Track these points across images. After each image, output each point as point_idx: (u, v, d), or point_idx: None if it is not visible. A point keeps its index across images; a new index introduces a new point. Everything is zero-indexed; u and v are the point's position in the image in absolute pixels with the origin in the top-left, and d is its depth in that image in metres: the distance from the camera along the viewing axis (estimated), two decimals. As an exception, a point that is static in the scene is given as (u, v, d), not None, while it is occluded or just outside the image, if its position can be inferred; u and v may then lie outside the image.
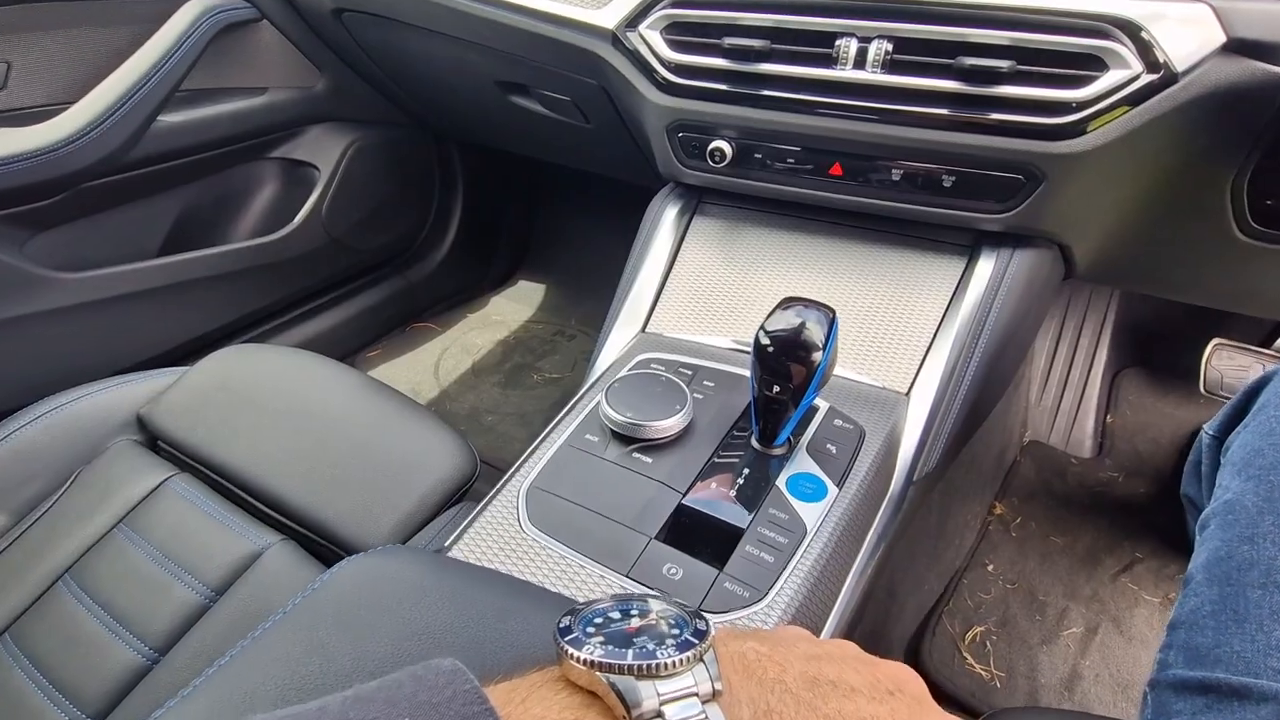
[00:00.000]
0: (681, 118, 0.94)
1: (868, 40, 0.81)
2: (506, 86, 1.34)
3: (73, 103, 1.17)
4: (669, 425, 0.69)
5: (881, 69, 0.81)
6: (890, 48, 0.80)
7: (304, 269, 1.64)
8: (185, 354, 1.46)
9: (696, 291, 0.96)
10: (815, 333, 0.63)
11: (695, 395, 0.75)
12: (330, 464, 0.88)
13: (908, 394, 0.81)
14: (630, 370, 0.83)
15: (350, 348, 1.82)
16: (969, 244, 0.91)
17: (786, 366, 0.63)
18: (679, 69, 0.91)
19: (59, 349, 1.23)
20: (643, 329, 0.95)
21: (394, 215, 1.84)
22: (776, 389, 0.65)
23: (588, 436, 0.73)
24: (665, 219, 1.02)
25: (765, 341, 0.64)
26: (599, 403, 0.72)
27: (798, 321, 0.64)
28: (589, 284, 2.22)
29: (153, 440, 1.02)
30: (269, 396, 0.98)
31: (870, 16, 0.81)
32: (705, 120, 0.92)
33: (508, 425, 1.62)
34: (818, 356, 0.63)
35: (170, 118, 1.29)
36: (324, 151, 1.59)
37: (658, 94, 0.94)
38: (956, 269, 0.89)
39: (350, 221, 1.68)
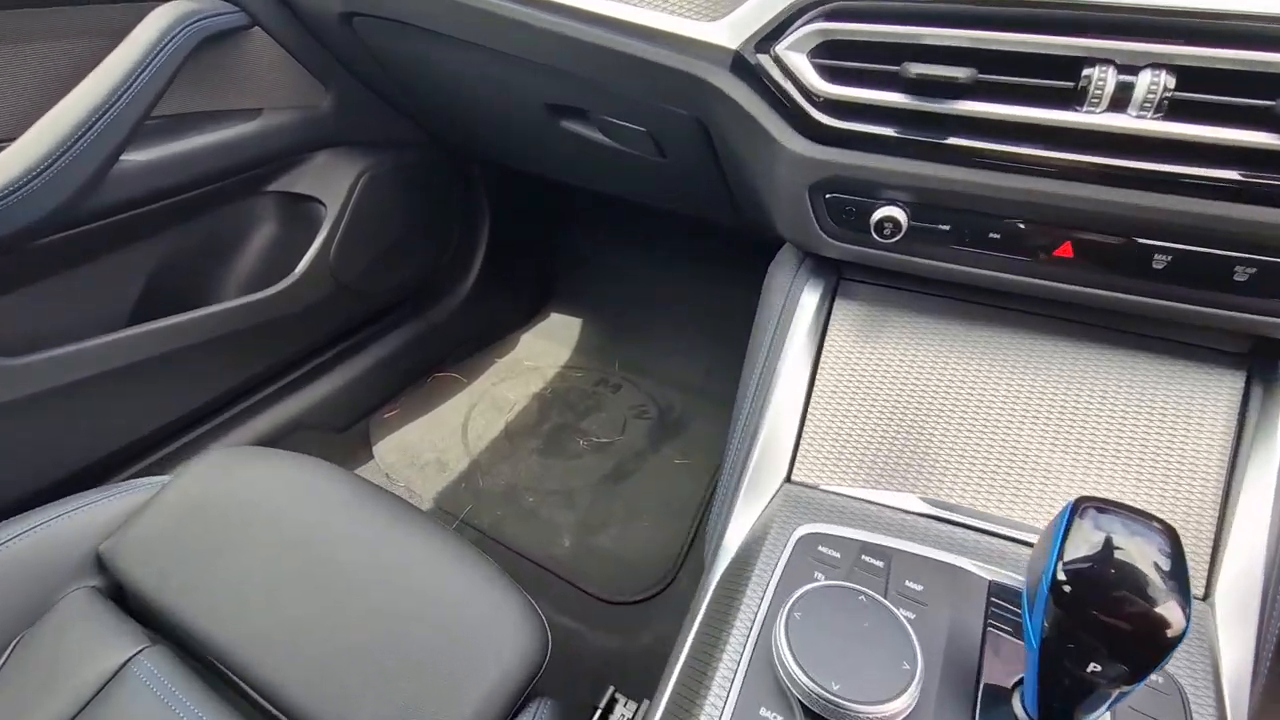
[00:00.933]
0: (835, 173, 0.68)
1: (1134, 70, 0.55)
2: (558, 111, 1.07)
3: (11, 140, 0.91)
4: (897, 709, 0.43)
5: (1154, 113, 0.55)
6: (1171, 82, 0.54)
7: (309, 324, 1.38)
8: (165, 438, 1.21)
9: (857, 419, 0.70)
10: (1164, 582, 0.38)
11: (904, 613, 0.49)
12: (352, 645, 0.64)
13: (1207, 598, 0.55)
14: (793, 560, 0.57)
15: (364, 409, 1.57)
16: (1243, 351, 0.65)
17: (1120, 636, 0.38)
18: (836, 107, 0.65)
19: None
20: (787, 478, 0.69)
21: (412, 250, 1.58)
22: (1094, 666, 0.39)
23: (764, 714, 0.47)
24: (802, 310, 0.76)
25: (1074, 588, 0.39)
26: (777, 650, 0.46)
27: (1130, 557, 0.38)
28: (629, 320, 1.96)
29: (116, 588, 0.77)
30: (267, 532, 0.74)
31: (1140, 35, 0.55)
32: (871, 179, 0.66)
33: (552, 508, 1.37)
34: (1178, 623, 0.37)
35: (139, 155, 1.03)
36: (331, 183, 1.33)
37: (799, 141, 0.68)
38: (1233, 391, 0.63)
39: (363, 263, 1.42)
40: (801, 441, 0.69)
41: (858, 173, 0.67)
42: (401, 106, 1.36)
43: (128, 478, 1.14)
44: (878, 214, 0.67)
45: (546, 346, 1.88)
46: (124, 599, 0.77)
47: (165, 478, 0.86)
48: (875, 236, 0.68)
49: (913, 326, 0.74)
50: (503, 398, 1.67)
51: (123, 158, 0.98)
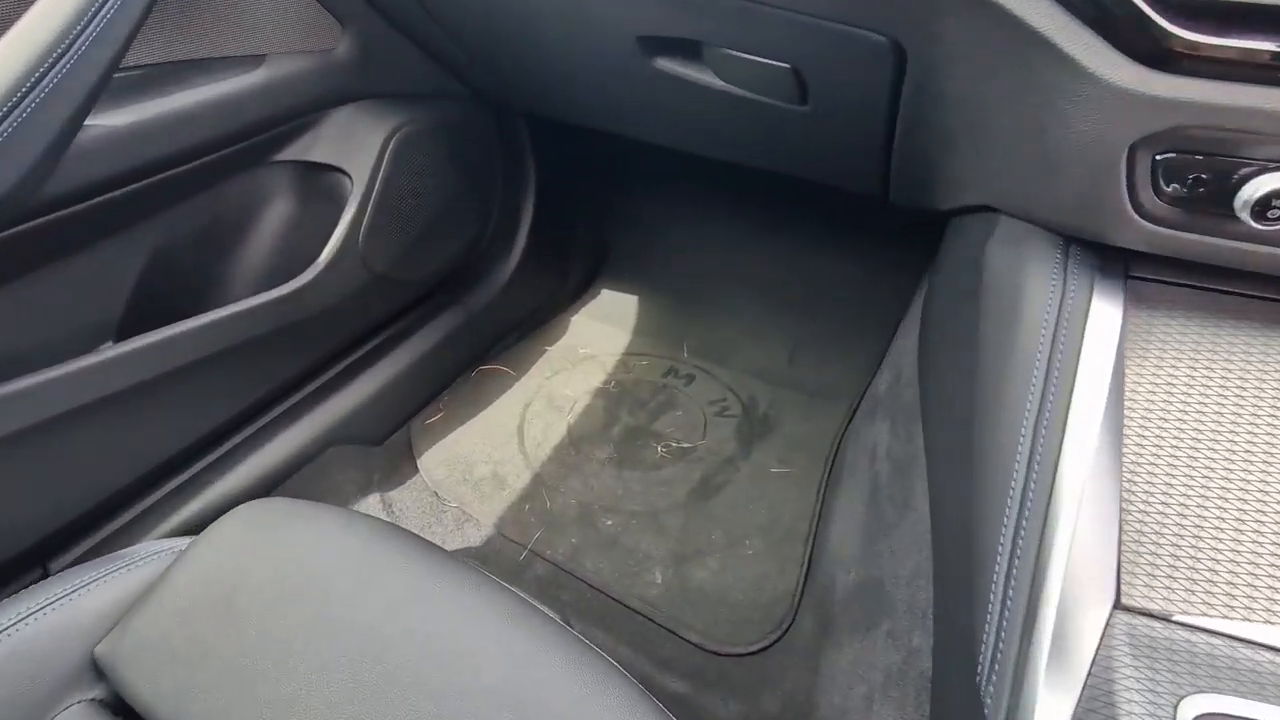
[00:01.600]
0: (1185, 121, 0.43)
1: None
2: (655, 46, 0.81)
3: (-67, 104, 0.67)
4: None
5: None
6: None
7: (337, 323, 1.15)
8: (167, 472, 1.00)
9: (1220, 500, 0.46)
10: None
11: None
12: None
13: None
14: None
15: (402, 415, 1.34)
16: None
17: None
18: (1200, 11, 0.40)
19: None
20: (1116, 602, 0.45)
21: (452, 227, 1.33)
22: None
23: None
24: (1095, 327, 0.52)
25: None
26: None
27: None
28: (694, 296, 1.71)
29: (119, 702, 0.59)
30: (311, 629, 0.54)
31: None
32: (1255, 127, 0.41)
33: (636, 534, 1.15)
34: None
35: (110, 118, 0.78)
36: (355, 147, 1.08)
37: (1127, 69, 0.43)
38: None
39: (399, 246, 1.18)
40: (1126, 538, 0.46)
41: (1229, 118, 0.42)
42: (437, 48, 1.10)
43: (123, 530, 0.94)
44: (1259, 185, 0.42)
45: (602, 330, 1.64)
46: (131, 713, 0.58)
47: (179, 542, 0.66)
48: (1248, 220, 0.43)
49: (1260, 350, 0.50)
50: (560, 394, 1.44)
51: (88, 122, 0.73)
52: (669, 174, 1.78)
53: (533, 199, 1.52)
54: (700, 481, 1.25)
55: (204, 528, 0.64)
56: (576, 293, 1.78)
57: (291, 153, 1.05)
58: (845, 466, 1.21)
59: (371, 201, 1.08)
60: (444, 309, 1.42)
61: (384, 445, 1.30)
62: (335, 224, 1.05)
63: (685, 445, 1.32)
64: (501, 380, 1.48)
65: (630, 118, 1.10)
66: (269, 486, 1.11)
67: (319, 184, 1.08)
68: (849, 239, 1.60)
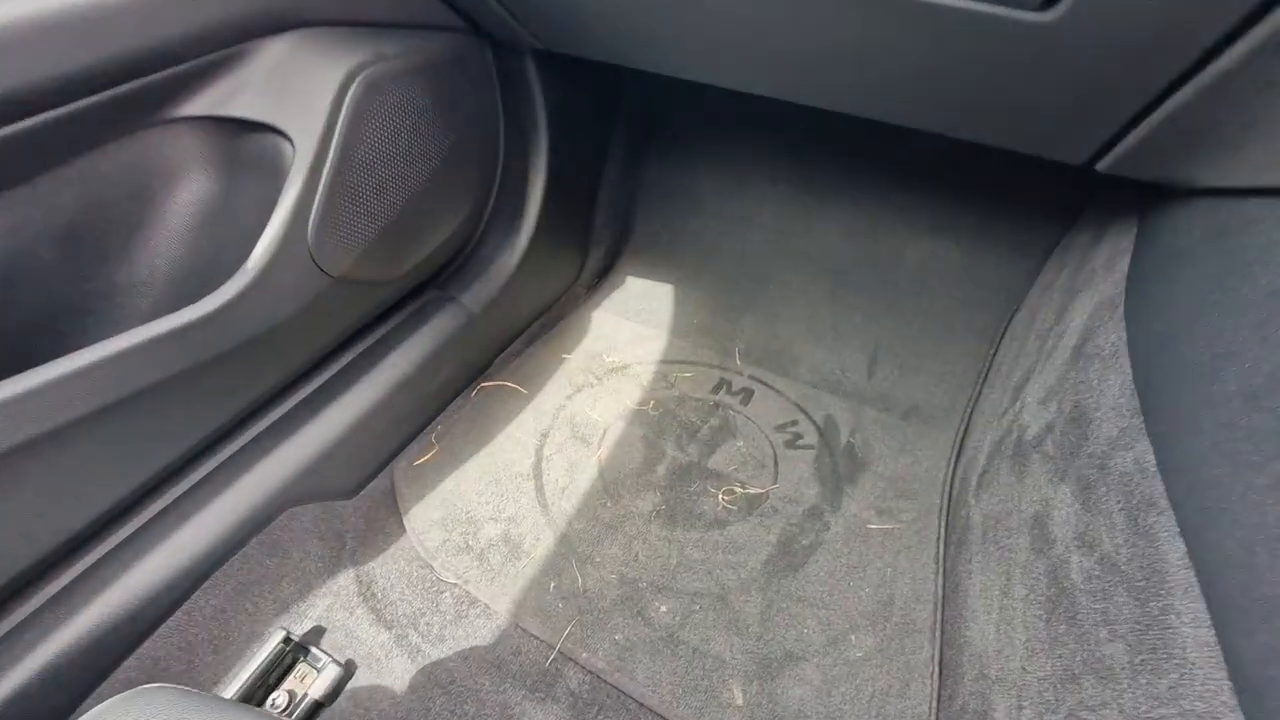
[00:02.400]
0: None
1: None
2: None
3: None
4: None
5: None
6: None
7: (283, 345, 0.83)
8: (45, 568, 0.69)
9: None
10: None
11: None
12: None
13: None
14: None
15: (382, 456, 1.03)
16: None
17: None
18: None
19: None
20: None
21: (441, 207, 0.99)
22: None
23: None
24: None
25: None
26: None
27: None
28: (745, 282, 1.39)
29: None
30: None
31: None
32: None
33: (702, 626, 0.86)
34: None
35: None
36: (298, 98, 0.74)
37: None
38: None
39: (368, 238, 0.85)
40: None
41: None
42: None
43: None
44: None
45: (631, 331, 1.32)
46: None
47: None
48: None
49: None
50: (585, 419, 1.13)
51: None
52: (710, 128, 1.43)
53: (545, 165, 1.18)
54: (779, 545, 0.95)
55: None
56: (598, 279, 1.45)
57: (201, 105, 0.71)
58: (969, 524, 0.92)
59: (324, 177, 0.75)
60: (431, 312, 1.10)
61: (358, 498, 0.99)
62: (270, 211, 0.72)
63: (753, 490, 1.02)
64: (509, 401, 1.16)
65: (705, 52, 0.76)
66: (200, 569, 0.80)
67: (244, 151, 0.74)
68: (944, 209, 1.27)
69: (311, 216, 0.75)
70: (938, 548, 0.95)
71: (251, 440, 0.87)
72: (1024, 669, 0.72)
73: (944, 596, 0.89)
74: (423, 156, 0.89)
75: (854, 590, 0.90)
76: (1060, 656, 0.67)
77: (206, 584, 0.81)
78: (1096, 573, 0.66)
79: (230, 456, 0.85)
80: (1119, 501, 0.65)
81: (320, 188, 0.75)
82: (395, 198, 0.87)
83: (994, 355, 1.19)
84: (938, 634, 0.85)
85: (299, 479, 0.90)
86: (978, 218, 1.24)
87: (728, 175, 1.43)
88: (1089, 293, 0.89)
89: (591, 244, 1.42)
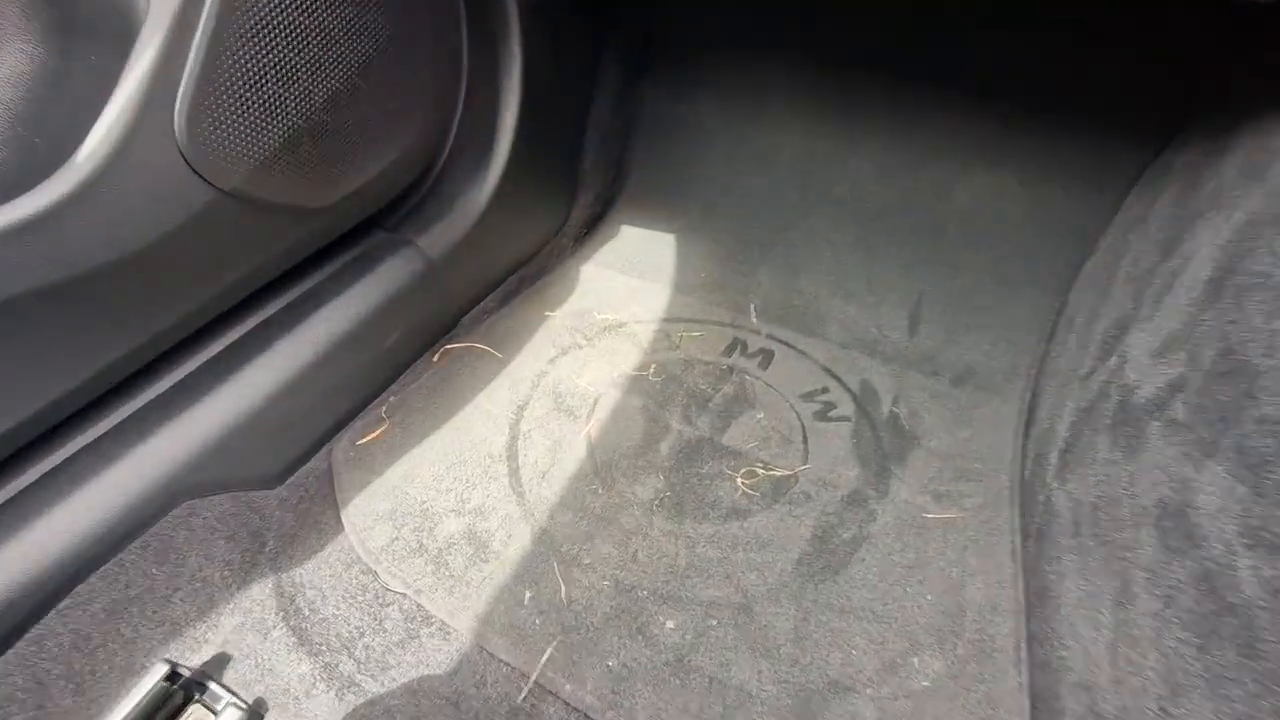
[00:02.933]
0: None
1: None
2: None
3: None
4: None
5: None
6: None
7: (160, 281, 0.62)
8: None
9: None
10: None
11: None
12: None
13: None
14: None
15: (313, 435, 0.83)
16: None
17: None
18: None
19: None
20: None
21: (380, 115, 0.78)
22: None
23: None
24: None
25: None
26: None
27: None
28: (764, 227, 1.18)
29: None
30: None
31: None
32: None
33: (720, 648, 0.66)
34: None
35: None
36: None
37: None
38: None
39: (266, 140, 0.64)
40: None
41: None
42: None
43: None
44: None
45: (628, 285, 1.12)
46: None
47: None
48: None
49: None
50: (570, 387, 0.93)
51: None
52: (720, 46, 1.21)
53: (519, 82, 0.97)
54: (815, 539, 0.75)
55: None
56: (587, 229, 1.25)
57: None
58: (1052, 512, 0.72)
59: (196, 44, 0.54)
60: (380, 257, 0.89)
61: (285, 487, 0.79)
62: (113, 85, 0.51)
63: (779, 472, 0.82)
64: (479, 367, 0.96)
65: None
66: (53, 583, 0.60)
67: (82, 7, 0.53)
68: (1001, 135, 1.06)
69: (179, 100, 0.54)
70: (1014, 541, 0.75)
71: (131, 414, 0.67)
72: (1164, 712, 0.53)
73: (1028, 605, 0.69)
74: (350, 37, 0.68)
75: (913, 598, 0.70)
76: (1231, 699, 0.48)
77: (64, 603, 0.61)
78: (1233, 543, 0.47)
79: (101, 435, 0.65)
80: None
81: (190, 60, 0.54)
82: (311, 90, 0.66)
83: (1063, 308, 0.99)
84: (1024, 655, 0.66)
85: (199, 463, 0.70)
86: (1043, 144, 1.03)
87: (741, 102, 1.22)
88: (1220, 214, 0.68)
89: (579, 187, 1.21)
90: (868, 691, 0.63)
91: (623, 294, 1.10)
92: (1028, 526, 0.76)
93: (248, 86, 0.59)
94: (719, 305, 1.08)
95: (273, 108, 0.62)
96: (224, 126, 0.58)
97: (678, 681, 0.64)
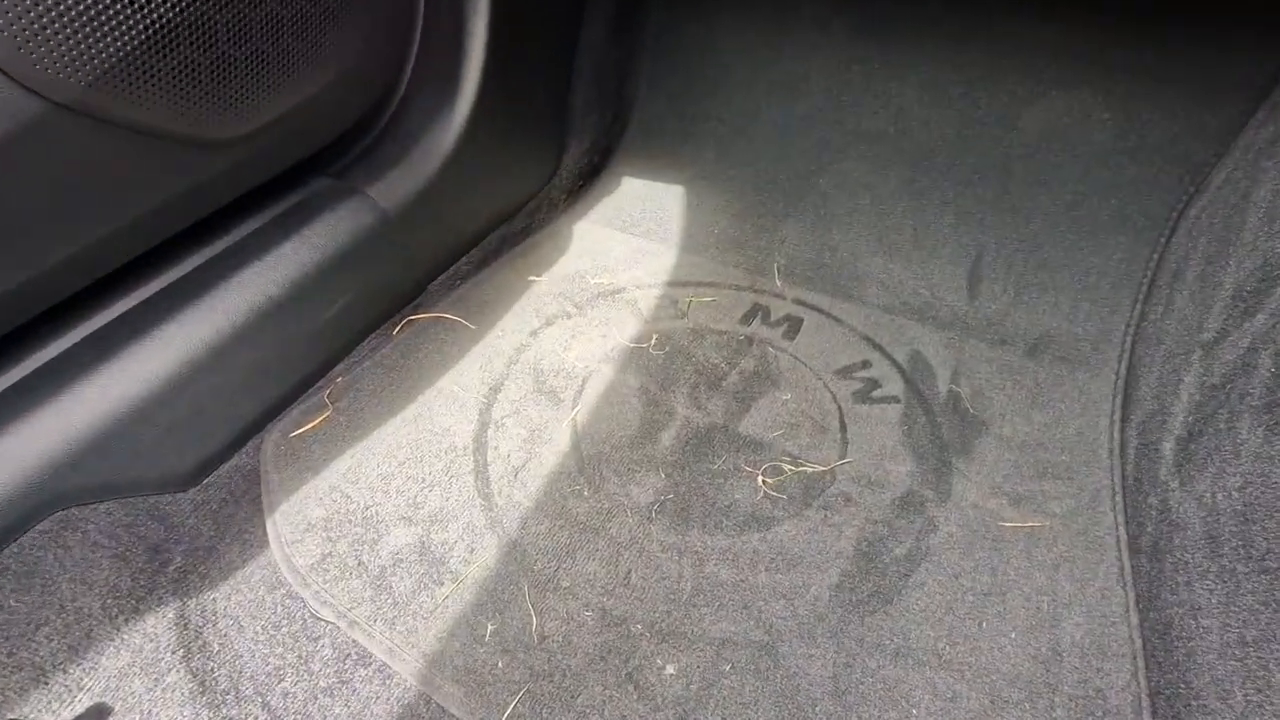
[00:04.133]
0: None
1: None
2: None
3: None
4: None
5: None
6: None
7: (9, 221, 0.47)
8: None
9: None
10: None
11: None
12: None
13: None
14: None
15: (241, 422, 0.68)
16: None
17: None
18: None
19: None
20: None
21: (298, 16, 0.61)
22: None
23: None
24: None
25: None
26: None
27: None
28: (787, 174, 1.00)
29: None
30: None
31: None
32: None
33: (742, 702, 0.50)
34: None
35: None
36: None
37: None
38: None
39: (113, 40, 0.47)
40: None
41: None
42: None
43: None
44: None
45: (627, 245, 0.95)
46: None
47: None
48: None
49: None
50: (554, 363, 0.77)
51: None
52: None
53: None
54: (859, 556, 0.59)
55: None
56: (582, 181, 1.08)
57: None
58: (1174, 521, 0.55)
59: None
60: (320, 207, 0.73)
61: (200, 489, 0.64)
62: None
63: (811, 468, 0.65)
64: (447, 341, 0.80)
65: None
66: None
67: None
68: (1079, 47, 0.86)
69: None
70: (1121, 559, 0.58)
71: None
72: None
73: (1147, 646, 0.52)
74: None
75: (991, 636, 0.53)
76: None
77: (-120, 647, 0.47)
78: None
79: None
80: None
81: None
82: (186, -25, 0.49)
83: (1158, 258, 0.80)
84: (1143, 702, 0.49)
85: (75, 460, 0.55)
86: (1132, 53, 0.83)
87: (759, 23, 1.03)
88: None
89: (571, 129, 1.04)
90: (935, 769, 0.47)
91: (622, 255, 0.93)
92: (1137, 540, 0.58)
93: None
94: (736, 266, 0.90)
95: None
96: (41, 13, 0.42)
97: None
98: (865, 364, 0.76)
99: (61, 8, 0.43)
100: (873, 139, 0.97)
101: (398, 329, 0.81)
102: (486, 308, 0.84)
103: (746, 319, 0.83)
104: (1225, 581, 0.49)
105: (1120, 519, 0.61)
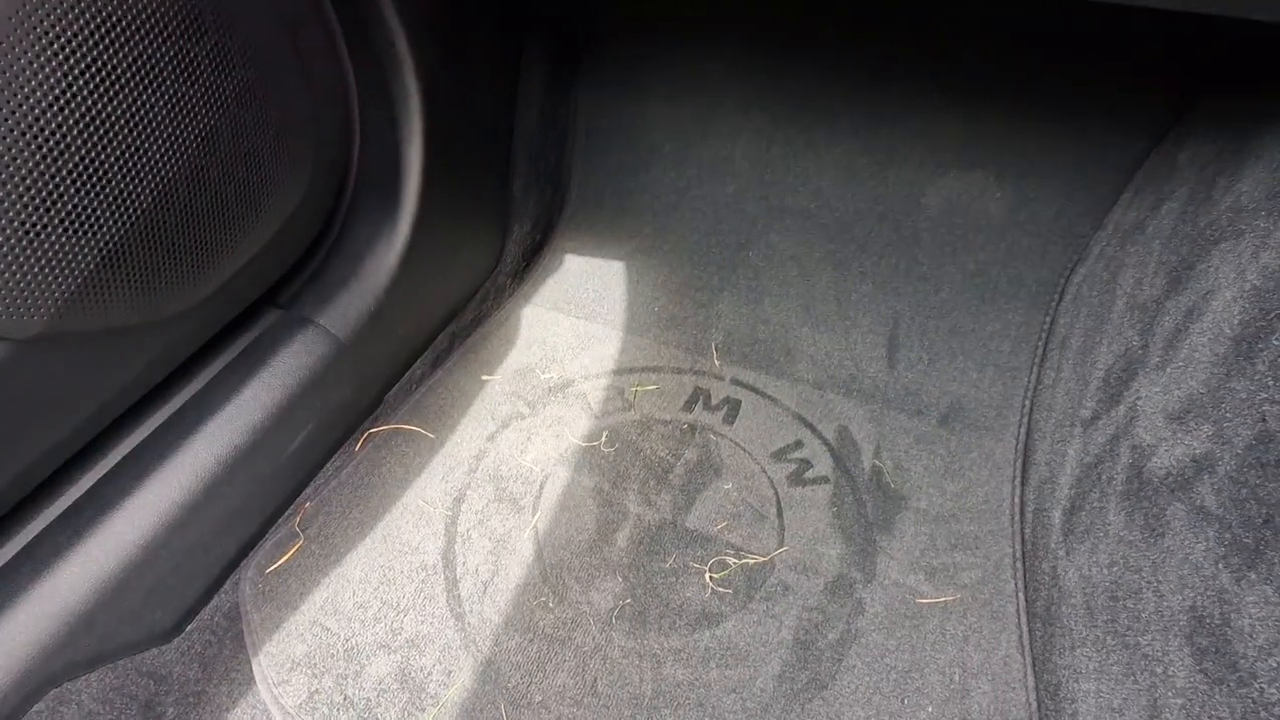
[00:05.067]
0: None
1: None
2: None
3: None
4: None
5: None
6: None
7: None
8: None
9: None
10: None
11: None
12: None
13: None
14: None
15: (219, 565, 0.71)
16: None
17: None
18: None
19: None
20: None
21: (242, 189, 0.65)
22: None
23: None
24: None
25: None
26: None
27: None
28: (721, 250, 1.07)
29: None
30: None
31: None
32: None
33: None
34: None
35: None
36: None
37: None
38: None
39: (71, 271, 0.51)
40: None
41: None
42: None
43: None
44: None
45: (574, 330, 1.00)
46: None
47: None
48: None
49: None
50: (513, 468, 0.82)
51: None
52: (659, 42, 1.07)
53: (419, 111, 0.82)
54: (796, 645, 0.66)
55: None
56: (526, 261, 1.12)
57: None
58: (1060, 587, 0.64)
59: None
60: (276, 344, 0.76)
61: (183, 637, 0.68)
62: None
63: (752, 560, 0.73)
64: (409, 452, 0.84)
65: None
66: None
67: None
68: (975, 131, 0.94)
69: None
70: (1020, 626, 0.67)
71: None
72: None
73: (1040, 708, 0.61)
74: (179, 113, 0.54)
75: (910, 711, 0.62)
76: None
77: None
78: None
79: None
80: None
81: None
82: (132, 191, 0.52)
83: (1050, 323, 0.90)
84: (1043, 773, 0.58)
85: (65, 640, 0.58)
86: (1021, 136, 0.92)
87: (687, 106, 1.08)
88: (1242, 243, 0.58)
89: (513, 213, 1.08)
90: (867, 846, 0.55)
91: (569, 342, 0.98)
92: (1034, 605, 0.67)
93: (26, 212, 0.46)
94: (676, 346, 0.97)
95: (75, 227, 0.49)
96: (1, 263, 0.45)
97: None
98: (798, 444, 0.84)
99: (19, 266, 0.46)
100: (796, 214, 1.04)
101: (359, 444, 0.85)
102: (443, 413, 0.89)
103: (689, 405, 0.89)
104: (1098, 650, 0.58)
105: (1020, 585, 0.70)
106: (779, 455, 0.83)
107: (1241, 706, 0.45)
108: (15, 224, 0.45)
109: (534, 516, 0.77)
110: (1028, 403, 0.85)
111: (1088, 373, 0.75)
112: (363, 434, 0.86)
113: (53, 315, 0.49)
